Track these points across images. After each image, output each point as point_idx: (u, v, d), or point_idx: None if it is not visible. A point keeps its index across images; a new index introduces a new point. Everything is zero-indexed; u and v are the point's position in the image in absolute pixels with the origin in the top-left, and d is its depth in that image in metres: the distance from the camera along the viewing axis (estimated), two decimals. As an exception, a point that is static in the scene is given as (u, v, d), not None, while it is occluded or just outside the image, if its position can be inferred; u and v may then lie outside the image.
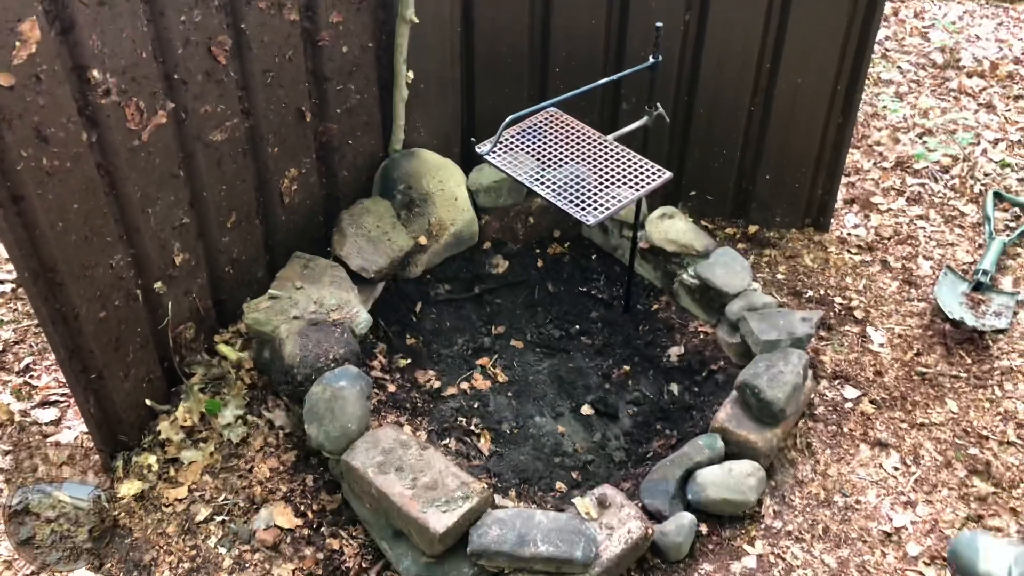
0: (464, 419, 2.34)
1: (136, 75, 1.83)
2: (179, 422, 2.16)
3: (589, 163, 2.18)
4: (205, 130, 2.08)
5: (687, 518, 1.93)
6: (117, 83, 1.79)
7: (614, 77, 2.20)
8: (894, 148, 3.33)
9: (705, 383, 2.43)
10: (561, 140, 2.26)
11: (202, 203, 2.17)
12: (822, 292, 2.68)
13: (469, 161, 2.88)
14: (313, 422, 1.96)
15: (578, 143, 2.26)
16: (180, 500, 2.05)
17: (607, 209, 1.99)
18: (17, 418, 2.26)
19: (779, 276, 2.73)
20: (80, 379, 1.97)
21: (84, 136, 1.76)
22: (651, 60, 2.16)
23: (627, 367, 2.51)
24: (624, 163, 2.19)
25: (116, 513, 2.01)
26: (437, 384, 2.44)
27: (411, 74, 2.49)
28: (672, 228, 2.56)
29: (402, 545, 1.90)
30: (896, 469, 2.18)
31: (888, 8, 4.43)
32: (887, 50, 4.09)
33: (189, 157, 2.08)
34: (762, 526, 2.05)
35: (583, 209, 2.00)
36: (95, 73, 1.74)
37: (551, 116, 2.36)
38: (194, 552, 1.95)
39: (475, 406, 2.39)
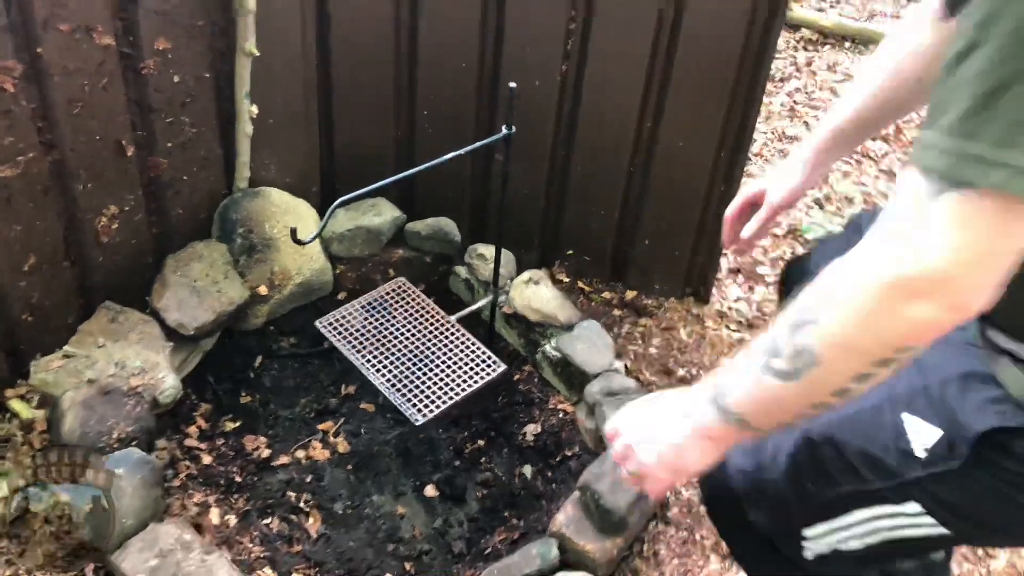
0: (294, 494, 2.12)
1: None
2: (-58, 496, 1.89)
3: (429, 348, 2.24)
4: (-11, 165, 1.81)
5: (509, 638, 1.73)
6: None
7: (465, 150, 1.96)
8: (787, 214, 3.18)
9: (559, 468, 2.24)
10: (405, 319, 2.31)
11: (-11, 245, 1.90)
12: (694, 372, 2.49)
13: (329, 201, 2.64)
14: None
15: (421, 324, 2.31)
16: (-73, 593, 1.77)
17: (436, 409, 2.07)
18: None
19: (652, 350, 2.54)
20: None
21: None
22: (504, 131, 1.95)
23: (481, 442, 2.31)
24: (463, 351, 2.25)
25: None
26: (267, 452, 2.20)
27: (255, 108, 2.26)
28: (536, 296, 2.37)
29: (176, 662, 1.66)
30: (746, 581, 2.02)
31: (802, 58, 4.32)
32: (795, 103, 3.97)
33: (-32, 195, 1.81)
34: (596, 644, 1.86)
35: (414, 405, 2.06)
36: None
37: (400, 288, 2.38)
38: (-67, 659, 1.68)
39: (308, 480, 2.17)
